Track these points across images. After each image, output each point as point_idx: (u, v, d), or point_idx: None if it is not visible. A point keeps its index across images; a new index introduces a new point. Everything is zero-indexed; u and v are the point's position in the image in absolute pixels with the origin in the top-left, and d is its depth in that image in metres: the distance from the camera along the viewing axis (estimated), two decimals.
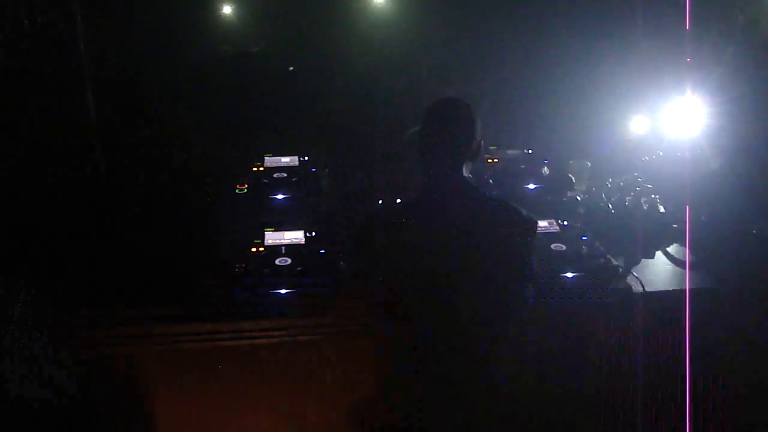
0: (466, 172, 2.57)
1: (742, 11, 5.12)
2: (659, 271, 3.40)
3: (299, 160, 3.82)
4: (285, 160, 3.82)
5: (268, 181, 3.65)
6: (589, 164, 4.13)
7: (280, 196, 3.57)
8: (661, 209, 3.63)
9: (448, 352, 2.52)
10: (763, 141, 3.55)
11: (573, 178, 3.89)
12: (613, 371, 3.26)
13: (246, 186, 3.61)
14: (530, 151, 3.99)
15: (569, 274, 3.16)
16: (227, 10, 7.16)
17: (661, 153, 3.95)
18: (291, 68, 6.14)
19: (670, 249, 3.57)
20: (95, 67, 4.43)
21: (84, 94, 4.33)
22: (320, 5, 7.41)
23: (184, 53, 5.97)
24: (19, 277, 2.62)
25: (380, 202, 3.49)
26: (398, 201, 3.38)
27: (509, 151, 3.98)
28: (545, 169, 3.85)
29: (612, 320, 3.21)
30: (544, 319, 3.09)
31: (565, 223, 3.45)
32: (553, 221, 3.45)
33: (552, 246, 3.29)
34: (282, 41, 6.67)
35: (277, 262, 3.11)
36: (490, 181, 3.74)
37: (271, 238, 3.25)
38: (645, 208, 3.63)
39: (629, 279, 3.22)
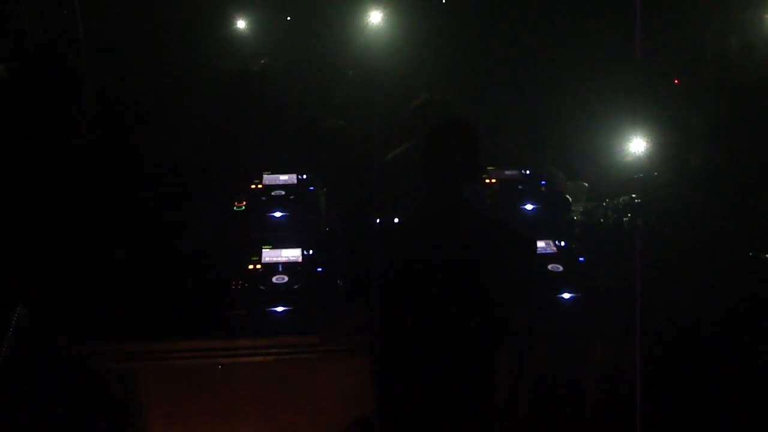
0: (466, 193, 2.59)
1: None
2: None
3: (297, 178, 3.83)
4: (283, 178, 3.83)
5: (267, 198, 3.66)
6: (587, 185, 4.15)
7: (278, 214, 3.57)
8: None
9: (445, 371, 2.52)
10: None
11: (570, 199, 3.91)
12: (611, 393, 3.25)
13: (244, 203, 3.62)
14: (528, 172, 4.00)
15: (566, 295, 3.16)
16: (229, 27, 7.23)
17: (655, 173, 3.98)
18: (300, 86, 6.18)
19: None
20: (96, 84, 4.45)
21: (84, 111, 4.35)
22: (321, 24, 7.48)
23: (184, 70, 6.01)
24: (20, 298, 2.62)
25: (378, 221, 3.50)
26: (397, 221, 3.39)
27: (507, 172, 3.99)
28: (543, 189, 3.86)
29: (609, 340, 3.21)
30: (541, 340, 3.09)
31: (563, 243, 3.46)
32: (551, 242, 3.46)
33: (549, 266, 3.30)
34: (282, 60, 6.72)
35: (274, 279, 3.11)
36: (488, 201, 3.76)
37: (269, 255, 3.25)
38: (641, 227, 3.65)
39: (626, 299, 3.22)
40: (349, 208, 3.65)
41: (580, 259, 3.36)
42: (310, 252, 3.27)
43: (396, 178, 3.63)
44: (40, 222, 3.53)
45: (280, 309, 3.01)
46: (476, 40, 6.99)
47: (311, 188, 3.76)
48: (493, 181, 3.90)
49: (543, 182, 3.90)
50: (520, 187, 3.87)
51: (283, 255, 3.25)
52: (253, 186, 3.75)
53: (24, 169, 3.73)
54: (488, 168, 3.99)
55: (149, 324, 2.97)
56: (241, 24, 7.15)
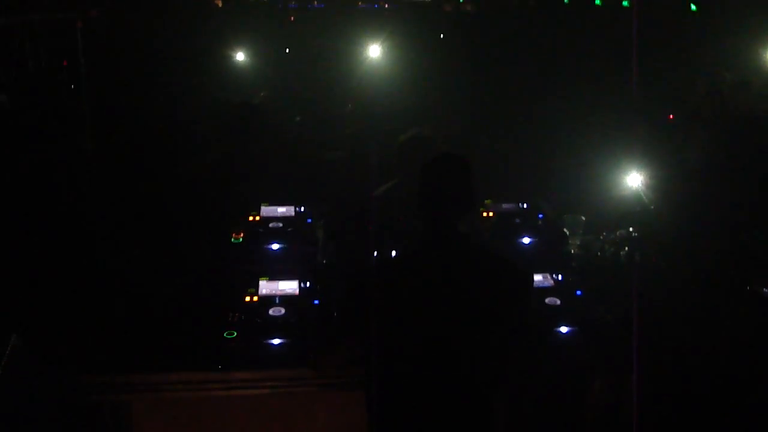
0: (462, 227, 2.59)
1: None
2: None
3: (295, 210, 3.84)
4: (281, 210, 3.84)
5: (264, 230, 3.66)
6: (584, 218, 4.16)
7: (275, 246, 3.58)
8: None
9: (443, 406, 2.50)
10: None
11: (567, 232, 3.91)
12: (609, 429, 3.23)
13: (242, 235, 3.62)
14: (525, 205, 4.01)
15: (564, 329, 3.15)
16: (230, 59, 7.30)
17: (652, 206, 3.98)
18: (297, 119, 6.22)
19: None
20: (96, 112, 4.48)
21: (84, 139, 4.37)
22: (319, 58, 7.56)
23: (185, 100, 6.06)
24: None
25: (376, 254, 3.50)
26: (394, 254, 3.39)
27: (504, 205, 4.00)
28: (540, 222, 3.87)
29: (608, 375, 3.19)
30: (539, 374, 3.07)
31: (560, 277, 3.46)
32: (548, 275, 3.46)
33: (547, 300, 3.29)
34: (282, 92, 6.78)
35: (270, 312, 3.11)
36: (486, 234, 3.76)
37: (266, 287, 3.25)
38: (638, 260, 3.65)
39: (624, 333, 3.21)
40: (347, 241, 3.65)
41: (578, 292, 3.36)
42: (307, 284, 3.27)
43: (383, 213, 3.64)
44: (36, 251, 3.53)
45: (276, 341, 3.00)
46: (474, 76, 7.07)
47: (309, 220, 3.77)
48: (491, 214, 3.91)
49: (540, 215, 3.91)
50: (517, 220, 3.89)
51: (280, 287, 3.25)
52: (250, 218, 3.75)
53: (25, 199, 3.74)
54: (485, 201, 4.00)
55: (144, 356, 2.95)
56: (240, 56, 7.23)
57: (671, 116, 5.92)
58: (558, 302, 3.28)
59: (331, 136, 5.80)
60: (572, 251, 3.84)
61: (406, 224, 3.47)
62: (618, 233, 3.90)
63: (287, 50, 9.37)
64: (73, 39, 4.24)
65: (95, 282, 3.42)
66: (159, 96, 6.16)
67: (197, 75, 6.66)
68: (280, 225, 3.69)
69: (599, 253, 3.76)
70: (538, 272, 3.42)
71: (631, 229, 3.93)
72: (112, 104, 5.34)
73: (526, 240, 3.76)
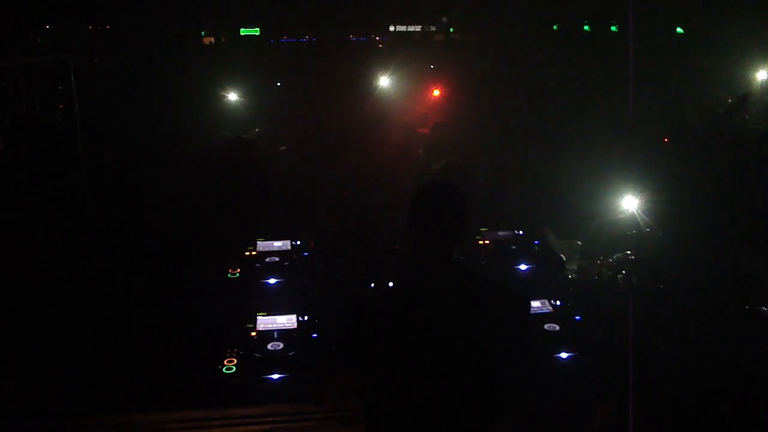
0: (456, 255, 2.59)
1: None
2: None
3: (291, 244, 3.84)
4: (277, 244, 3.84)
5: (261, 265, 3.66)
6: (580, 243, 4.16)
7: (272, 281, 3.57)
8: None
9: None
10: None
11: (564, 258, 3.92)
12: None
13: (238, 271, 3.62)
14: (521, 233, 4.02)
15: (564, 354, 3.14)
16: (224, 96, 7.36)
17: (648, 229, 4.00)
18: (281, 148, 6.24)
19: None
20: (92, 156, 4.50)
21: (80, 183, 4.38)
22: (316, 95, 7.63)
23: (180, 138, 6.08)
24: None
25: (372, 285, 3.50)
26: (390, 285, 3.39)
27: (500, 233, 4.01)
28: (536, 249, 3.87)
29: (609, 399, 3.17)
30: (539, 400, 3.05)
31: (558, 302, 3.45)
32: (546, 301, 3.45)
33: (545, 326, 3.28)
34: (275, 127, 6.82)
35: (269, 346, 3.09)
36: (482, 262, 3.76)
37: (263, 322, 3.24)
38: (636, 283, 3.65)
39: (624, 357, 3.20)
40: (344, 274, 3.66)
41: (577, 317, 3.35)
42: (305, 318, 3.26)
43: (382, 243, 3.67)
44: (34, 290, 3.53)
45: (275, 376, 2.98)
46: (466, 105, 7.13)
47: (305, 254, 3.77)
48: (487, 242, 3.91)
49: (536, 242, 3.92)
50: (513, 247, 3.89)
51: (277, 322, 3.24)
52: (247, 253, 3.75)
53: (22, 238, 3.75)
54: (481, 229, 4.01)
55: (141, 395, 2.93)
56: (232, 96, 7.28)
57: (666, 139, 5.95)
58: (557, 328, 3.27)
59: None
60: (570, 276, 3.84)
61: (404, 252, 3.48)
62: (614, 257, 3.90)
63: (278, 84, 9.45)
64: (67, 84, 4.28)
65: (91, 323, 3.42)
66: (153, 131, 6.20)
67: (189, 110, 6.71)
68: (277, 259, 3.69)
69: (596, 278, 3.76)
70: (536, 298, 3.41)
71: (628, 252, 3.94)
72: (107, 142, 5.37)
73: (523, 267, 3.76)
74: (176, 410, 2.90)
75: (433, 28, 17.88)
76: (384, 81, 7.40)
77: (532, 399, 2.97)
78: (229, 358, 3.03)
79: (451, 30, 17.28)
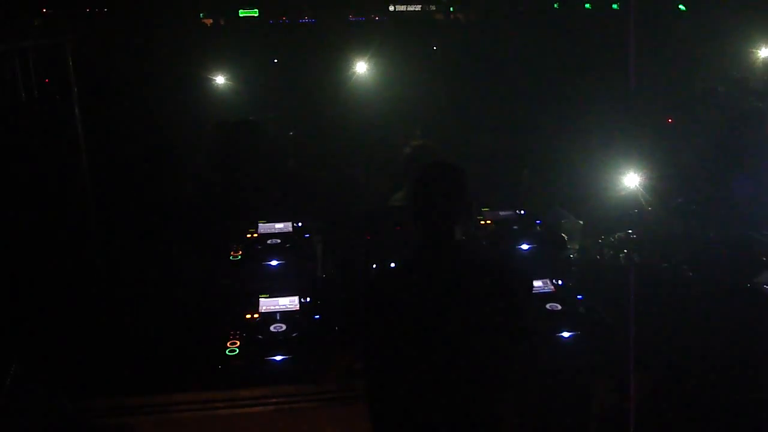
0: (459, 235, 2.58)
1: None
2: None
3: (293, 226, 3.83)
4: (279, 226, 3.83)
5: (262, 247, 3.65)
6: (581, 222, 4.15)
7: (274, 263, 3.57)
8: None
9: (446, 415, 2.49)
10: None
11: (566, 237, 3.91)
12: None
13: (240, 253, 3.61)
14: (523, 212, 4.01)
15: (566, 334, 3.14)
16: (225, 79, 7.33)
17: (650, 208, 3.98)
18: (291, 133, 6.23)
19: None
20: (91, 141, 4.48)
21: (79, 160, 4.36)
22: (314, 77, 7.59)
23: (182, 122, 6.06)
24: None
25: (374, 266, 3.50)
26: (393, 265, 3.39)
27: (502, 213, 3.99)
28: (538, 229, 3.86)
29: (611, 378, 3.18)
30: (542, 379, 3.06)
31: (560, 282, 3.45)
32: (548, 281, 3.45)
33: (547, 305, 3.28)
34: (279, 110, 6.80)
35: (271, 328, 3.10)
36: (484, 242, 3.76)
37: (266, 304, 3.24)
38: (638, 262, 3.64)
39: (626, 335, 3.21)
40: (346, 255, 3.65)
41: (579, 297, 3.35)
42: (308, 300, 3.26)
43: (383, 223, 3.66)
44: (37, 276, 3.53)
45: (278, 358, 2.99)
46: (468, 86, 7.10)
47: (307, 236, 3.76)
48: (489, 222, 3.90)
49: (538, 222, 3.91)
50: (515, 227, 3.88)
51: (280, 303, 3.24)
52: (248, 235, 3.74)
53: (23, 227, 3.75)
54: (483, 209, 4.00)
55: (146, 377, 2.94)
56: (226, 78, 7.25)
57: (670, 120, 5.92)
58: (559, 307, 3.27)
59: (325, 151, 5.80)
60: (572, 256, 3.83)
61: (405, 233, 3.47)
62: (616, 236, 3.90)
63: (275, 60, 9.39)
64: (65, 67, 4.24)
65: (96, 306, 3.42)
66: (153, 115, 6.18)
67: (190, 93, 6.68)
68: (279, 241, 3.68)
69: (598, 257, 3.75)
70: (538, 278, 3.41)
71: (630, 231, 3.92)
72: (106, 125, 5.34)
73: (525, 246, 3.76)
74: (180, 392, 2.92)
75: (433, 7, 17.76)
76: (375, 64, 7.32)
77: (534, 378, 2.98)
78: (232, 340, 3.04)
79: (452, 9, 17.15)
